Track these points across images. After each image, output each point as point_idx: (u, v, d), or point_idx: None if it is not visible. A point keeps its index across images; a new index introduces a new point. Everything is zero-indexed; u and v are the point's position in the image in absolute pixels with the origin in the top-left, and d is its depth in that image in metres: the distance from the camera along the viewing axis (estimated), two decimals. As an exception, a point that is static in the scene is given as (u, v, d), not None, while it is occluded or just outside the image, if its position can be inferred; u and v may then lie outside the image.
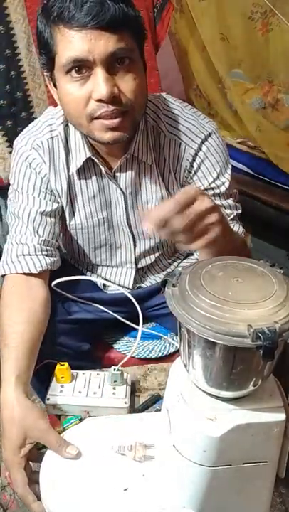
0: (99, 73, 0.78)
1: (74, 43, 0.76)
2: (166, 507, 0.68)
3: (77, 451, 0.75)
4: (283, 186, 1.72)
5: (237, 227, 1.02)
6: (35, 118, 1.63)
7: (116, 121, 0.82)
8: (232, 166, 1.88)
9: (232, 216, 1.03)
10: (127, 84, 0.80)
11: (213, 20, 1.78)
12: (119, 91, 0.80)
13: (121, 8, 0.76)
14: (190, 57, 1.99)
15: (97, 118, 0.82)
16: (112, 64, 0.78)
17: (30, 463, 0.79)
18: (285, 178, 1.69)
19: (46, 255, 0.99)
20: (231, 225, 1.00)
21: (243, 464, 0.63)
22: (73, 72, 0.79)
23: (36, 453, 0.79)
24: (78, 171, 0.99)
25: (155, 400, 0.94)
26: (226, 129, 1.95)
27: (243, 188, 1.73)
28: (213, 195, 1.00)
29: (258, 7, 1.68)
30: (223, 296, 0.57)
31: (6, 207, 1.66)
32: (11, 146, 1.56)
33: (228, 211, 1.02)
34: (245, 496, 0.67)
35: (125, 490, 0.70)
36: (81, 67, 0.78)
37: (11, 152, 1.64)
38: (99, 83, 0.78)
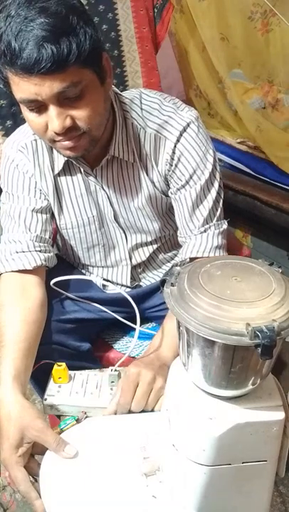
0: (51, 109, 0.80)
1: (21, 86, 0.77)
2: (167, 506, 0.68)
3: (76, 451, 0.75)
4: (283, 186, 1.71)
5: (202, 242, 1.02)
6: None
7: (72, 142, 0.85)
8: (232, 166, 1.89)
9: (200, 227, 1.02)
10: (80, 112, 0.82)
11: (213, 20, 1.77)
12: (74, 119, 0.82)
13: (61, 47, 0.73)
14: (190, 57, 1.98)
15: (57, 140, 0.85)
16: (62, 98, 0.79)
17: (36, 458, 0.79)
18: (285, 178, 1.69)
19: (40, 251, 0.99)
20: (199, 240, 1.02)
21: (243, 463, 0.63)
22: (28, 108, 0.82)
23: (41, 445, 0.78)
24: (64, 170, 1.01)
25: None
26: (226, 129, 1.95)
27: (243, 188, 1.73)
28: (193, 191, 1.00)
29: (258, 7, 1.67)
30: (222, 295, 0.57)
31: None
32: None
33: (201, 217, 1.02)
34: (245, 495, 0.67)
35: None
36: (33, 104, 0.80)
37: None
38: (52, 118, 0.81)
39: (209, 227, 1.02)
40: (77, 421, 0.83)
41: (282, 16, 1.54)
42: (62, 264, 1.09)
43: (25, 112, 0.84)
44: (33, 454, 0.79)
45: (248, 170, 1.82)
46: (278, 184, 1.73)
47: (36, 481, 0.75)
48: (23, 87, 0.77)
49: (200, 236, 1.02)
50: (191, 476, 0.65)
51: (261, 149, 1.77)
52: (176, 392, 0.68)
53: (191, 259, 1.02)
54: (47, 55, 0.72)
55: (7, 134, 1.53)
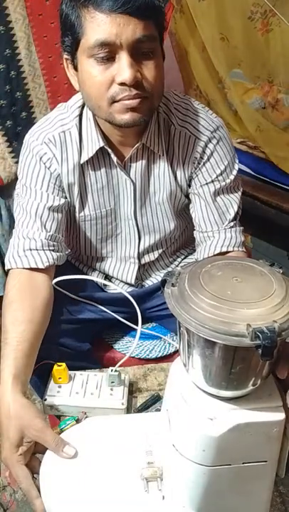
0: (124, 58, 0.80)
1: (103, 26, 0.78)
2: (167, 507, 0.68)
3: (75, 451, 0.74)
4: (283, 186, 1.71)
5: (232, 236, 1.04)
6: (36, 118, 1.65)
7: (136, 101, 0.84)
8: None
9: (230, 221, 1.04)
10: (149, 71, 0.83)
11: (213, 20, 1.78)
12: (142, 76, 0.83)
13: None
14: (190, 57, 1.98)
15: (118, 100, 0.84)
16: (137, 50, 0.81)
17: (38, 456, 0.79)
18: (285, 178, 1.69)
19: (53, 250, 0.99)
20: (229, 234, 1.03)
21: (243, 463, 0.63)
22: (98, 56, 0.81)
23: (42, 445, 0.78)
24: (88, 162, 0.99)
25: (155, 400, 0.94)
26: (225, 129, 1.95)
27: (243, 188, 1.73)
28: (220, 188, 1.02)
29: (258, 7, 1.67)
30: (223, 296, 0.57)
31: (5, 206, 1.67)
32: (11, 146, 1.56)
33: (230, 213, 1.04)
34: (245, 496, 0.67)
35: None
36: (107, 50, 0.80)
37: (11, 152, 1.64)
38: (123, 67, 0.81)
39: (236, 224, 1.05)
40: (77, 421, 0.83)
41: (282, 15, 1.55)
42: (63, 264, 1.09)
43: (89, 68, 0.83)
44: (34, 453, 0.79)
45: (248, 170, 1.82)
46: (278, 184, 1.73)
47: (37, 479, 0.75)
48: (106, 27, 0.78)
49: (229, 230, 1.04)
50: (191, 476, 0.65)
51: (261, 149, 1.77)
52: (176, 392, 0.68)
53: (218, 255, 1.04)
54: None
55: (7, 134, 1.53)
